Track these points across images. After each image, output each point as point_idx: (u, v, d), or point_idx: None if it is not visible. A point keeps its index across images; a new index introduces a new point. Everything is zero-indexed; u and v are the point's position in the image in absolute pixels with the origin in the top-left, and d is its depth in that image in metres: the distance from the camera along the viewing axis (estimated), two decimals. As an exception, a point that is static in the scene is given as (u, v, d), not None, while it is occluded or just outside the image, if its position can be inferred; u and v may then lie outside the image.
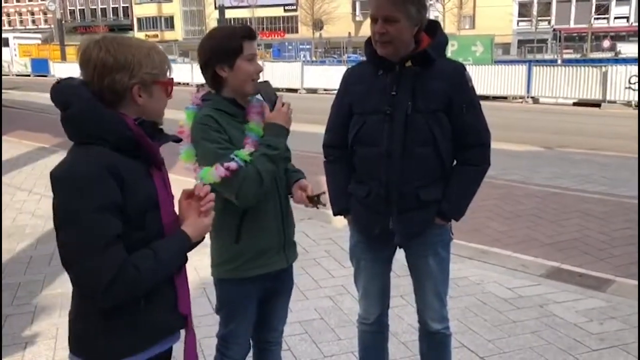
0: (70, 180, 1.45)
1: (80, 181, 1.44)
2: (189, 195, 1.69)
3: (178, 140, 1.70)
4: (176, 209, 1.71)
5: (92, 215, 1.42)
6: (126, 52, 1.53)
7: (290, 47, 43.68)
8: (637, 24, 48.79)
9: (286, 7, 62.33)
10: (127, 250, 1.49)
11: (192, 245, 1.64)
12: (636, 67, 16.87)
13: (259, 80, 2.18)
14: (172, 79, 1.66)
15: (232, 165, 1.99)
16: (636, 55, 24.88)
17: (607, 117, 14.96)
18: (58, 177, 1.48)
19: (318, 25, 50.54)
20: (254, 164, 2.03)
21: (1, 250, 4.67)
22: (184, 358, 1.74)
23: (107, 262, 1.42)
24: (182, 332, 1.75)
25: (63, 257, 1.48)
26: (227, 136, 2.06)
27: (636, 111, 16.07)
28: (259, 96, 2.21)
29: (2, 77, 20.80)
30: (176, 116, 2.14)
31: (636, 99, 16.54)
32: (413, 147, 2.30)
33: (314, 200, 2.27)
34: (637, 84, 15.71)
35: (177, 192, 1.71)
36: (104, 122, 1.51)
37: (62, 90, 1.56)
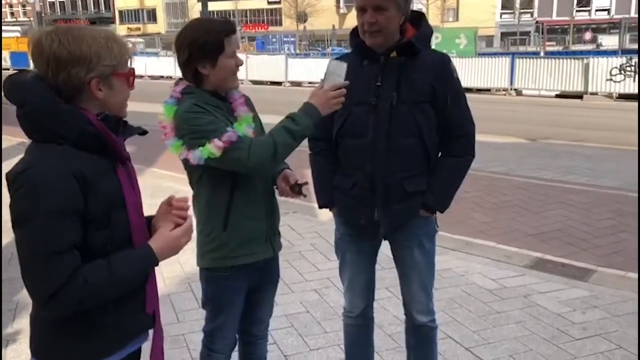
0: (27, 183, 1.36)
1: (38, 184, 1.36)
2: (169, 202, 1.61)
3: (144, 132, 1.61)
4: (148, 209, 1.64)
5: (46, 220, 1.35)
6: (81, 44, 1.42)
7: (274, 40, 43.43)
8: (617, 16, 49.26)
9: (270, 0, 61.98)
10: (93, 250, 1.42)
11: (158, 263, 1.54)
12: (617, 60, 17.07)
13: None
14: (133, 69, 1.57)
15: (231, 135, 1.96)
16: (616, 47, 25.11)
17: (589, 109, 15.12)
18: (15, 179, 1.38)
19: (302, 17, 50.38)
20: (271, 134, 2.02)
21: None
22: (150, 357, 1.68)
23: (55, 272, 1.35)
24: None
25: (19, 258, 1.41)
26: (218, 119, 2.03)
27: (617, 102, 16.28)
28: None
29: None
30: (158, 109, 2.11)
31: (617, 90, 16.73)
32: (398, 138, 2.29)
33: (295, 190, 2.24)
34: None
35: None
36: (63, 119, 1.42)
37: (15, 87, 1.45)
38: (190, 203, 1.66)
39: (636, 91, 16.26)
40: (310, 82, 22.29)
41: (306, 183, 2.28)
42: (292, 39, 42.20)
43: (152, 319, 1.65)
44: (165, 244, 1.54)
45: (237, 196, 2.13)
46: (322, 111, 2.05)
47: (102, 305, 1.48)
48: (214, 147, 1.95)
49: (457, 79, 2.37)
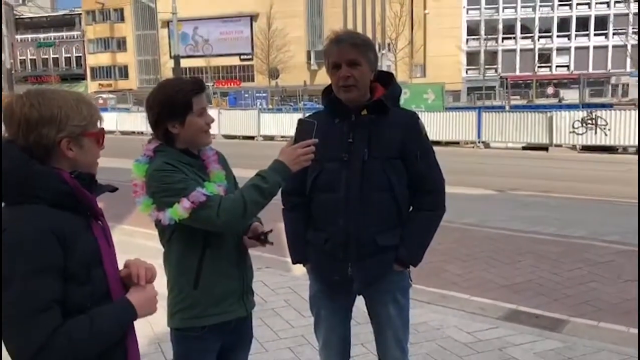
0: (7, 243, 1.37)
1: (15, 244, 1.37)
2: (126, 275, 1.62)
3: (114, 190, 1.65)
4: (120, 263, 1.65)
5: (25, 281, 1.36)
6: (52, 106, 1.47)
7: (246, 95, 44.07)
8: (577, 71, 51.55)
9: (242, 57, 63.17)
10: (75, 307, 1.43)
11: (136, 316, 1.56)
12: (579, 113, 17.72)
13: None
14: (103, 129, 1.62)
15: (199, 197, 1.95)
16: (577, 101, 26.10)
17: (555, 161, 15.54)
18: None
19: (274, 74, 51.31)
20: (241, 192, 2.02)
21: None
22: None
23: (36, 333, 1.35)
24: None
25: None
26: (188, 177, 2.03)
27: (581, 154, 16.80)
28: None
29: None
30: (129, 165, 2.10)
31: (580, 142, 17.30)
32: (370, 193, 2.33)
33: (260, 239, 2.20)
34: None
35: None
36: (38, 179, 1.45)
37: None
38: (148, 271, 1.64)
39: (598, 143, 16.87)
40: (282, 136, 22.53)
41: (271, 230, 2.23)
42: (264, 95, 42.89)
43: None
44: (143, 297, 1.57)
45: (208, 254, 2.10)
46: (292, 168, 2.06)
47: None
48: (181, 209, 1.95)
49: (426, 135, 2.44)
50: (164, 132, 2.08)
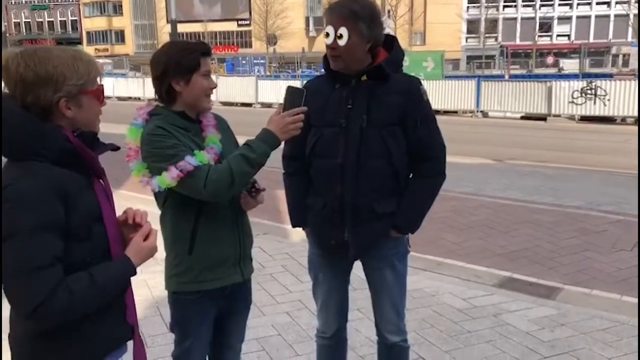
0: (10, 198, 1.39)
1: (21, 199, 1.40)
2: (123, 221, 1.65)
3: (116, 148, 1.65)
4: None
5: (29, 235, 1.38)
6: (47, 66, 1.46)
7: (244, 62, 43.60)
8: (577, 41, 51.05)
9: (239, 22, 62.26)
10: (74, 263, 1.46)
11: (135, 270, 1.60)
12: (578, 83, 17.61)
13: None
14: (102, 85, 1.60)
15: (187, 166, 1.94)
16: (577, 71, 25.84)
17: (553, 131, 15.52)
18: None
19: (272, 40, 50.68)
20: (228, 162, 1.99)
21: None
22: None
23: (38, 285, 1.38)
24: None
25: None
26: (181, 144, 2.02)
27: (579, 124, 16.76)
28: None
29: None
30: (126, 131, 2.09)
31: (579, 112, 17.24)
32: (367, 159, 2.32)
33: (252, 194, 2.16)
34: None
35: (132, 207, 1.68)
36: (44, 136, 1.46)
37: None
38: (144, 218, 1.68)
39: (597, 113, 16.82)
40: (280, 104, 22.27)
41: (255, 181, 2.17)
42: (262, 61, 42.41)
43: (131, 330, 1.69)
44: (141, 254, 1.60)
45: (202, 221, 2.10)
46: (280, 137, 2.02)
47: (84, 317, 1.51)
48: (169, 177, 1.95)
49: (427, 101, 2.41)
50: (167, 89, 2.06)
